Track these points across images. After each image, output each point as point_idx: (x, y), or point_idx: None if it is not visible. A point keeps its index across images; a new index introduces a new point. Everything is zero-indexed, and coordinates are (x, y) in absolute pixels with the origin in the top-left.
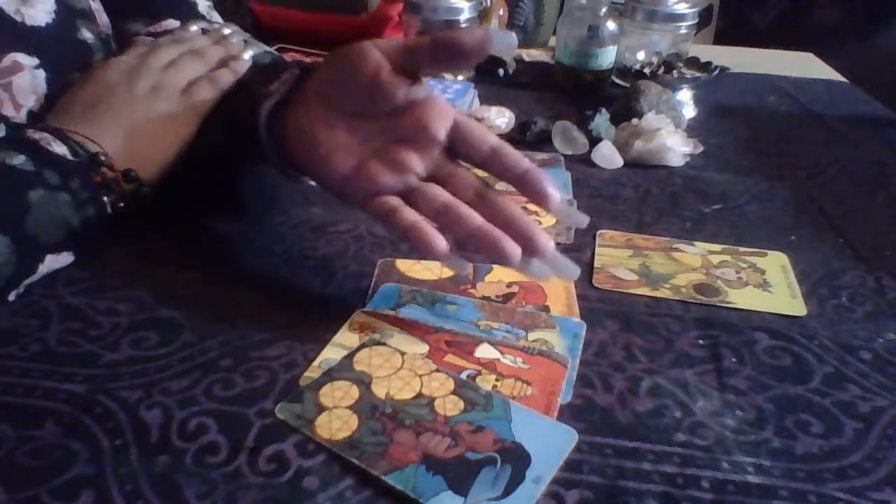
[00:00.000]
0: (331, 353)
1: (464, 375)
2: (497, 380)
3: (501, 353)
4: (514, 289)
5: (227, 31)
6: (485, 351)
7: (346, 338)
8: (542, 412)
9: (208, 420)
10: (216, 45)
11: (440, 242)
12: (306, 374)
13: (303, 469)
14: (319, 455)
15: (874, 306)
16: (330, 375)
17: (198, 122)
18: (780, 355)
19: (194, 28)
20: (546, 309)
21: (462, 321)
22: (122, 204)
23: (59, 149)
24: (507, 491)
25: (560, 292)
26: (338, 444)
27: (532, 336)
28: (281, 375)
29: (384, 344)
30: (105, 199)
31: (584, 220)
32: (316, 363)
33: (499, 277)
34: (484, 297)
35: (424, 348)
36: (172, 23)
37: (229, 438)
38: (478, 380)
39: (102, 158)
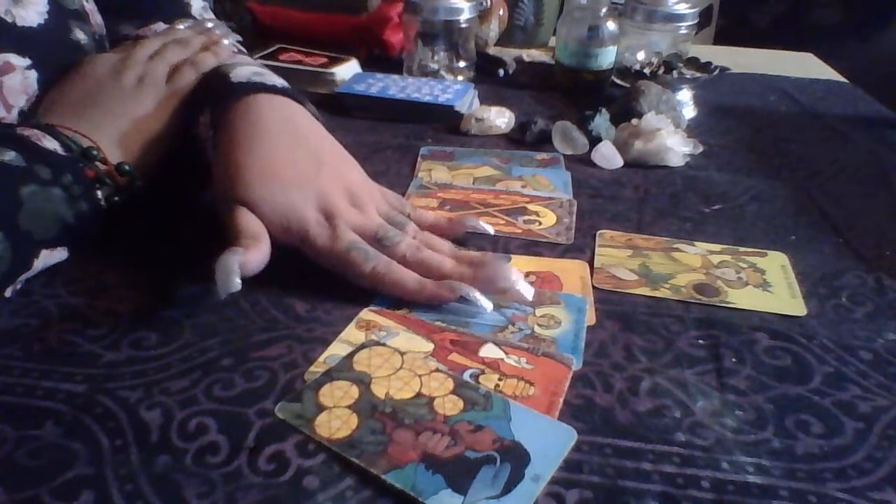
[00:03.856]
0: (336, 350)
1: (467, 374)
2: (500, 379)
3: (506, 353)
4: (532, 279)
5: (210, 24)
6: (489, 351)
7: (352, 335)
8: (544, 412)
9: (208, 420)
10: (199, 35)
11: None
12: (311, 369)
13: (303, 469)
14: (319, 455)
15: (874, 306)
16: (330, 375)
17: (184, 108)
18: (780, 355)
19: (181, 27)
20: None
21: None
22: (116, 198)
23: (51, 144)
24: (507, 489)
25: (576, 282)
26: (337, 444)
27: (539, 312)
28: (281, 375)
29: (384, 345)
30: (98, 193)
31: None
32: (321, 359)
33: (516, 268)
34: None
35: (429, 347)
36: (162, 26)
37: (229, 438)
38: (480, 379)
39: (95, 153)
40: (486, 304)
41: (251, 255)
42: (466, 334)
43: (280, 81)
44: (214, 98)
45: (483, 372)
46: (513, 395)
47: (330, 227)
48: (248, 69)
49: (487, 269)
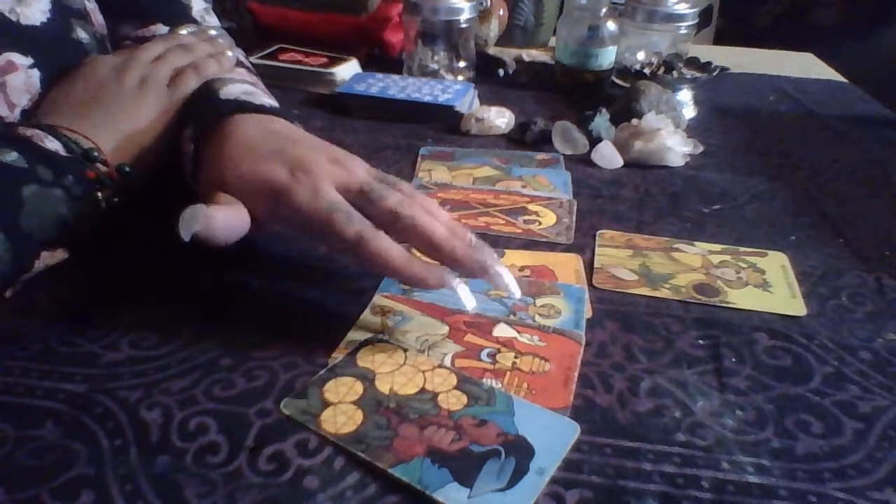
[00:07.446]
0: (355, 336)
1: (484, 353)
2: (516, 357)
3: (518, 331)
4: (527, 272)
5: (213, 32)
6: (502, 330)
7: (368, 320)
8: (561, 386)
9: (208, 420)
10: (203, 42)
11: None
12: (334, 354)
13: (303, 469)
14: (319, 454)
15: (874, 306)
16: (334, 372)
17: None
18: (780, 355)
19: (184, 31)
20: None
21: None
22: (115, 199)
23: (52, 145)
24: (512, 482)
25: (570, 275)
26: (343, 438)
27: (539, 302)
28: (281, 375)
29: (385, 341)
30: (99, 194)
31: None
32: (342, 345)
33: (511, 262)
34: None
35: (445, 329)
36: (161, 28)
37: (229, 438)
38: (498, 357)
39: (96, 154)
40: (471, 302)
41: (219, 210)
42: (479, 316)
43: (269, 101)
44: (199, 113)
45: (499, 350)
46: (530, 371)
47: (309, 182)
48: (239, 87)
49: (484, 254)
